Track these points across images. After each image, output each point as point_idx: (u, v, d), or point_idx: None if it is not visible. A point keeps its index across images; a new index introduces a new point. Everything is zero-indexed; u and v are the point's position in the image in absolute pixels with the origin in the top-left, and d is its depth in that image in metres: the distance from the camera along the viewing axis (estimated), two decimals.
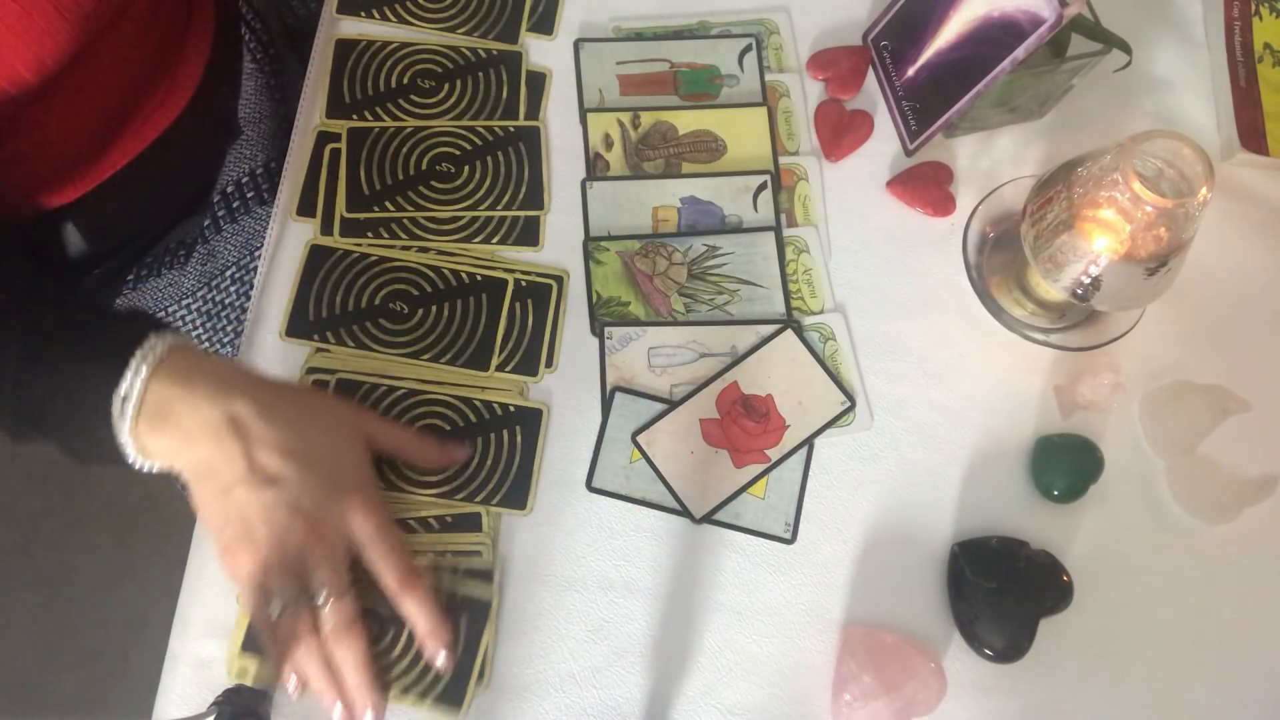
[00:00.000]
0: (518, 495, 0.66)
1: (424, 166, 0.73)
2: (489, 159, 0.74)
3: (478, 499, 0.66)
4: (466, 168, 0.74)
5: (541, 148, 0.75)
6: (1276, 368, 0.73)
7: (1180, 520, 0.69)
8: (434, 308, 0.70)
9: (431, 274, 0.70)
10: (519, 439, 0.67)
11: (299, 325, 0.69)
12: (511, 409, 0.68)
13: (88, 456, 0.56)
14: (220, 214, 0.80)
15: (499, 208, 0.73)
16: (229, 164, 0.81)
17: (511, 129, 0.75)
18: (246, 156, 0.81)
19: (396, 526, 0.59)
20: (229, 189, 0.80)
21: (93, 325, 0.55)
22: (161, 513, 1.46)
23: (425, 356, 0.68)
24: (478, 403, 0.67)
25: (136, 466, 0.56)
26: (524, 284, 0.71)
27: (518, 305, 0.70)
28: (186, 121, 0.73)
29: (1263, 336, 0.74)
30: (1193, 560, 0.68)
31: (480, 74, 0.76)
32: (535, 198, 0.74)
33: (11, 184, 0.66)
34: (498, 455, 0.67)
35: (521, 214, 0.73)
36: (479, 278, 0.71)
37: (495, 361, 0.69)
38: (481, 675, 0.62)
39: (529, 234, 0.73)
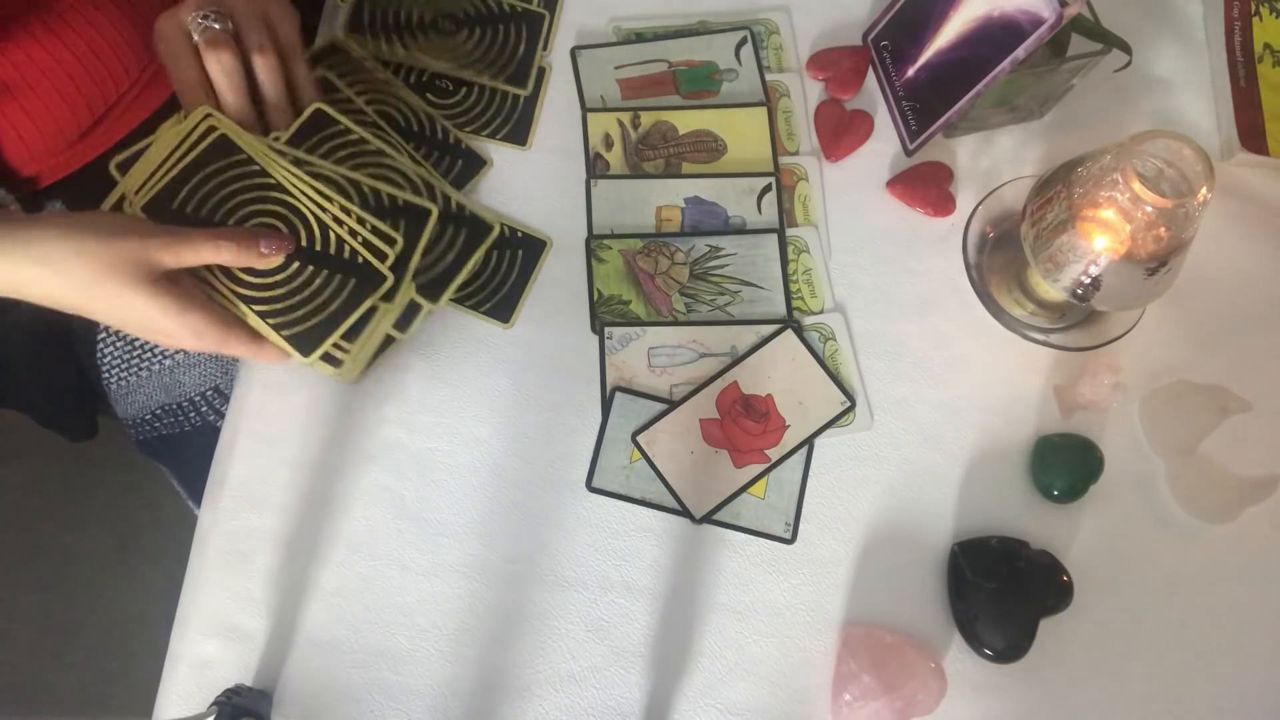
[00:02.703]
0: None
1: (427, 20, 0.77)
2: (489, 28, 0.77)
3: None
4: (466, 30, 0.77)
5: (540, 34, 0.78)
6: (1276, 368, 0.73)
7: (1180, 520, 0.69)
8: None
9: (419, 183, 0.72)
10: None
11: None
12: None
13: None
14: None
15: (486, 75, 0.76)
16: None
17: (519, 8, 0.79)
18: None
19: None
20: None
21: None
22: (161, 513, 1.45)
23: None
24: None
25: None
26: (509, 234, 0.73)
27: (495, 252, 0.73)
28: (177, 103, 0.73)
29: (1263, 336, 0.74)
30: (1193, 560, 0.68)
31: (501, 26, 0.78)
32: (521, 77, 0.77)
33: None
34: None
35: (503, 88, 0.77)
36: (467, 213, 0.72)
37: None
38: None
39: (519, 133, 0.76)
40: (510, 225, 0.74)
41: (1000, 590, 0.64)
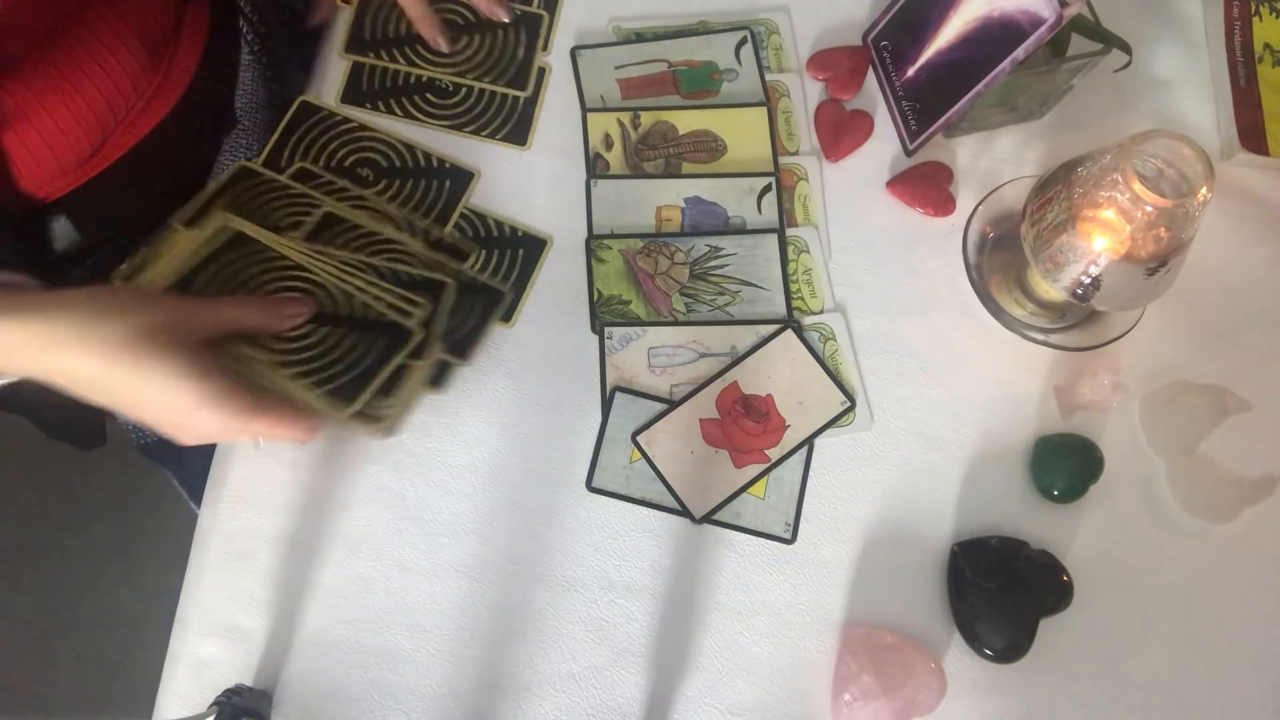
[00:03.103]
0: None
1: (347, 163, 0.75)
2: (488, 34, 0.78)
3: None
4: (465, 36, 0.78)
5: (540, 35, 0.78)
6: (1276, 368, 0.73)
7: (1180, 520, 0.69)
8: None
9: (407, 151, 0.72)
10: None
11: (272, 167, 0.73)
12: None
13: None
14: None
15: (486, 80, 0.77)
16: (225, 154, 0.81)
17: (518, 11, 0.79)
18: (243, 146, 0.81)
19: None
20: None
21: None
22: (161, 513, 1.46)
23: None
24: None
25: None
26: (509, 233, 0.74)
27: (496, 252, 0.73)
28: (182, 114, 0.73)
29: (1263, 336, 0.74)
30: (1193, 560, 0.68)
31: (425, 180, 0.76)
32: (521, 79, 0.77)
33: (4, 165, 0.66)
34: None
35: (504, 91, 0.77)
36: (480, 282, 0.72)
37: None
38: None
39: (519, 132, 0.77)
40: (511, 225, 0.74)
41: (1000, 590, 0.64)
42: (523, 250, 0.73)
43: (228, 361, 0.60)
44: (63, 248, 0.74)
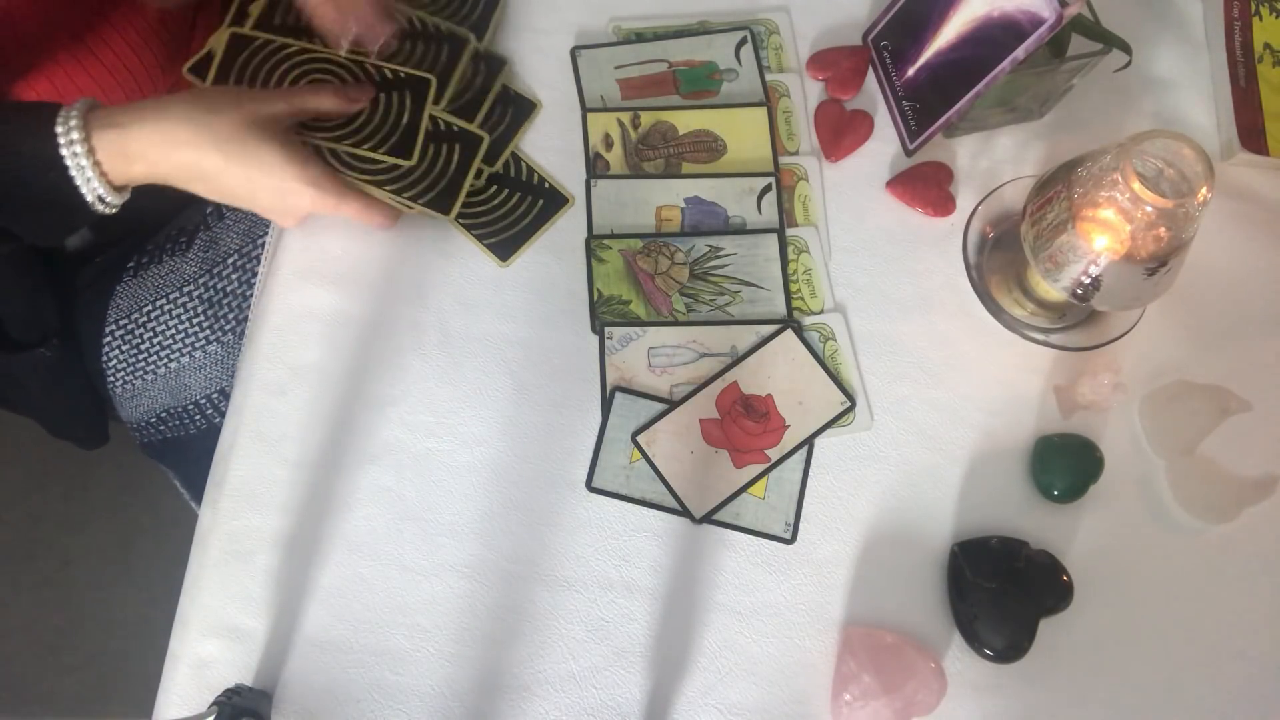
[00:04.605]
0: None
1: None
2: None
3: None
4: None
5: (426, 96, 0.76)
6: (1276, 368, 0.73)
7: (1180, 520, 0.69)
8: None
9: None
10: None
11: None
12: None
13: (52, 223, 0.62)
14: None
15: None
16: None
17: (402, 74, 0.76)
18: None
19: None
20: None
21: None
22: (161, 513, 1.45)
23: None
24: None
25: (105, 201, 0.61)
26: (537, 182, 0.76)
27: (517, 195, 0.75)
28: None
29: (1263, 336, 0.74)
30: (1193, 560, 0.68)
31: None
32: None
33: None
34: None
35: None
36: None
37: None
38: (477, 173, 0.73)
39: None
40: (542, 175, 0.76)
41: (1000, 590, 0.64)
42: (543, 201, 0.75)
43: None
44: (75, 247, 0.74)
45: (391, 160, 0.70)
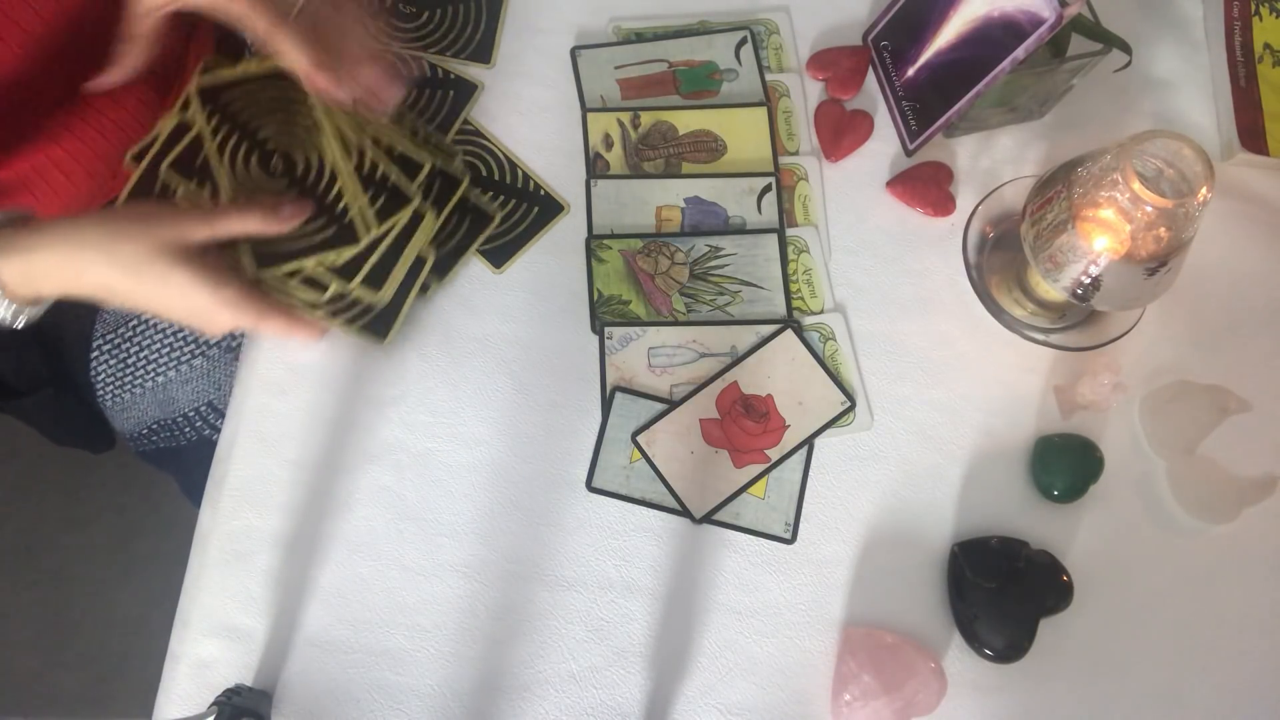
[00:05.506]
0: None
1: None
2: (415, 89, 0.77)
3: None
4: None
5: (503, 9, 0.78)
6: (1276, 368, 0.73)
7: (1180, 520, 0.69)
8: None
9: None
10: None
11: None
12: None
13: None
14: None
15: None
16: None
17: (447, 74, 0.77)
18: None
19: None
20: None
21: None
22: (161, 513, 1.45)
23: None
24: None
25: (18, 315, 0.60)
26: (533, 189, 0.75)
27: (513, 201, 0.75)
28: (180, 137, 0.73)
29: (1263, 336, 0.74)
30: (1193, 560, 0.68)
31: (428, 90, 0.77)
32: (485, 50, 0.78)
33: None
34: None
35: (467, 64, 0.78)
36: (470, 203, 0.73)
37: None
38: (425, 288, 0.69)
39: (483, 51, 0.78)
40: (538, 182, 0.75)
41: (1000, 590, 0.64)
42: (538, 209, 0.74)
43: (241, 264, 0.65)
44: None
45: (342, 290, 0.66)
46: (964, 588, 0.65)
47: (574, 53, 0.78)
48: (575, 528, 0.67)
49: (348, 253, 0.65)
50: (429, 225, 0.67)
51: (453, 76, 0.77)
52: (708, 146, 0.76)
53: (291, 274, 0.65)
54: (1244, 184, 0.78)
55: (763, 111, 0.77)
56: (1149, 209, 0.57)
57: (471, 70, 0.78)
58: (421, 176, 0.67)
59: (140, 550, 1.45)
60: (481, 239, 0.73)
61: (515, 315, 0.72)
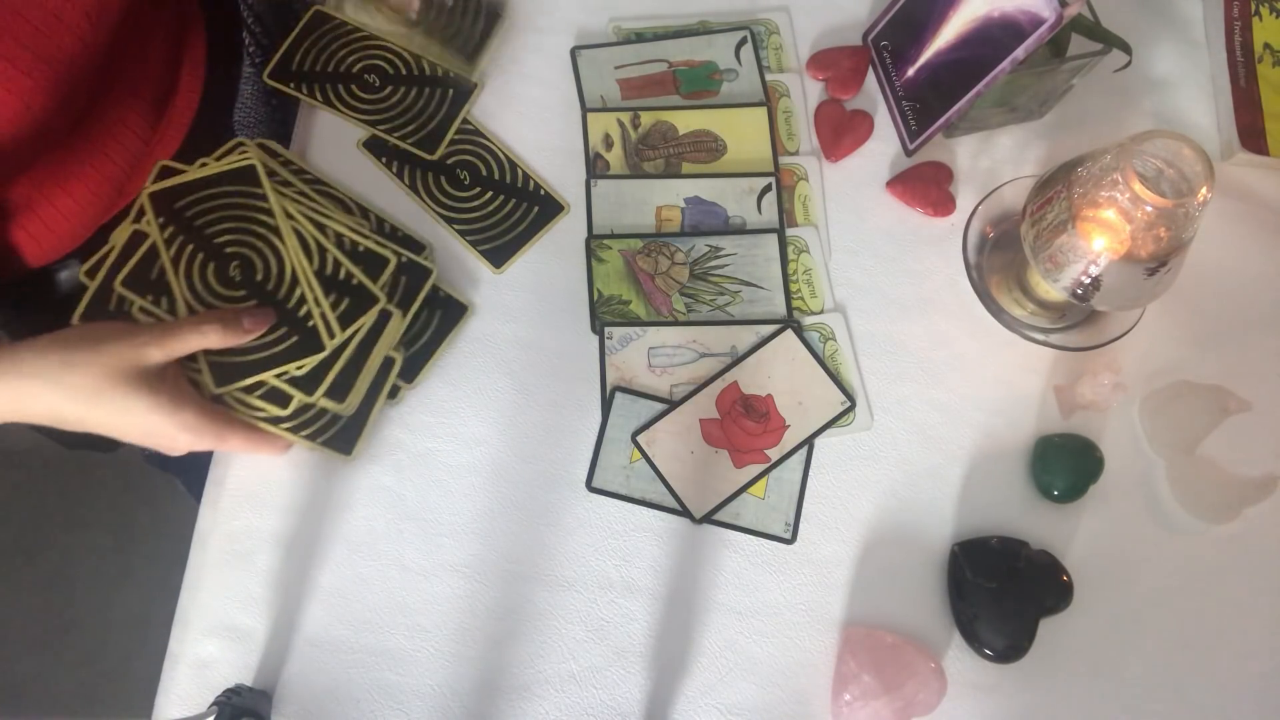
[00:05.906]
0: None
1: (355, 69, 0.77)
2: (415, 89, 0.76)
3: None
4: (390, 87, 0.76)
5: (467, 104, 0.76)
6: (1276, 368, 0.73)
7: (1180, 520, 0.69)
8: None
9: None
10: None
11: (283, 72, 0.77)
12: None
13: None
14: None
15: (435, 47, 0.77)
16: None
17: (446, 73, 0.77)
18: None
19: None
20: None
21: None
22: (161, 513, 1.46)
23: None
24: None
25: None
26: (532, 189, 0.75)
27: (513, 200, 0.74)
28: (186, 148, 0.73)
29: (1263, 336, 0.74)
30: (1193, 560, 0.68)
31: (428, 89, 0.76)
32: (438, 138, 0.75)
33: (9, 251, 0.67)
34: None
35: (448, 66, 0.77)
36: (441, 294, 0.72)
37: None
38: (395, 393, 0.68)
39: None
40: (538, 181, 0.75)
41: (1000, 590, 0.64)
42: (539, 208, 0.74)
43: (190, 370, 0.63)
44: (67, 290, 0.73)
45: (305, 402, 0.64)
46: (964, 588, 0.65)
47: (574, 53, 0.78)
48: (575, 527, 0.67)
49: (310, 362, 0.63)
50: (396, 325, 0.66)
51: (451, 75, 0.77)
52: (708, 146, 0.76)
53: (252, 388, 0.63)
54: (1244, 184, 0.78)
55: (763, 111, 0.77)
56: (1149, 209, 0.57)
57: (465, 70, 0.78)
58: (387, 274, 0.66)
59: (140, 550, 1.45)
60: (455, 334, 0.70)
61: (515, 315, 0.72)
